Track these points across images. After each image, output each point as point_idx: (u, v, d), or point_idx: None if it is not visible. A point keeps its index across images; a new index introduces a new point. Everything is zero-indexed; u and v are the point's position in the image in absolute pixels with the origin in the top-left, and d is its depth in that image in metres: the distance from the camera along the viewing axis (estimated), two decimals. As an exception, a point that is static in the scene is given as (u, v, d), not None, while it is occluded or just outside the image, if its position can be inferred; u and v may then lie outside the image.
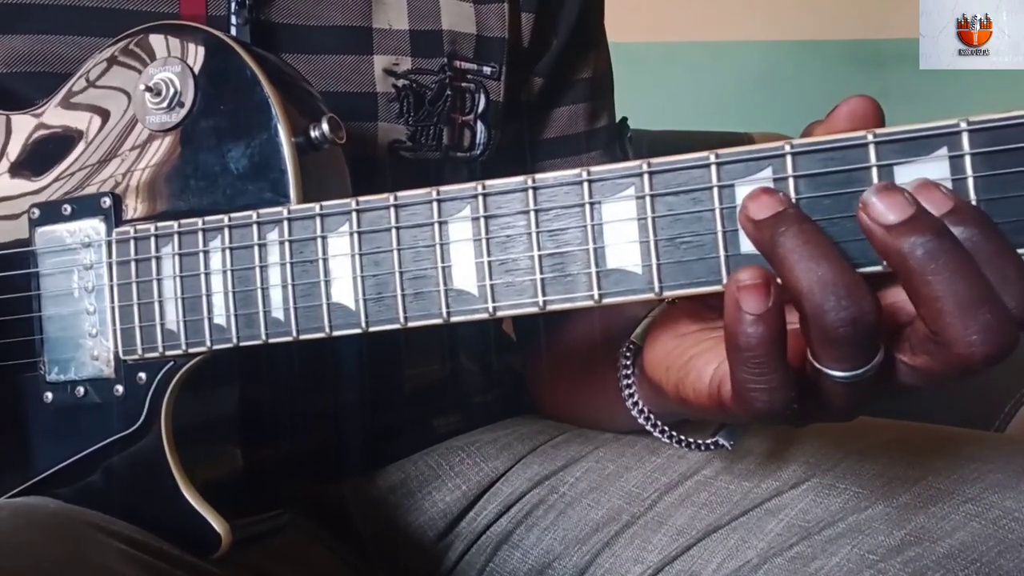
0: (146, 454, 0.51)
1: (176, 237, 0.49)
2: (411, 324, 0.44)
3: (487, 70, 0.68)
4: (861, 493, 0.56)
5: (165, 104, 0.52)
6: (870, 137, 0.37)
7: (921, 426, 0.62)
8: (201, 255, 0.49)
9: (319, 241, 0.46)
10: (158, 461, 0.51)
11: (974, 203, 0.36)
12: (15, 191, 0.56)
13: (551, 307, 0.42)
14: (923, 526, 0.53)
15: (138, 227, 0.51)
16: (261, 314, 0.47)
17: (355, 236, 0.45)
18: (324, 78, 0.63)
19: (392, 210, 0.45)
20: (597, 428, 0.69)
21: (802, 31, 1.86)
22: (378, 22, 0.65)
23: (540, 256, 0.42)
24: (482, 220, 0.43)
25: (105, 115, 0.55)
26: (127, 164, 0.53)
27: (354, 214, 0.45)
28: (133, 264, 0.51)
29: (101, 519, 0.47)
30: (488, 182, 0.43)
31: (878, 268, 0.37)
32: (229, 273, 0.48)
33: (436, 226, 0.44)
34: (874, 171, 0.37)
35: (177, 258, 0.49)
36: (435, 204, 0.44)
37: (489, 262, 0.43)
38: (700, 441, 0.53)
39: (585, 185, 0.41)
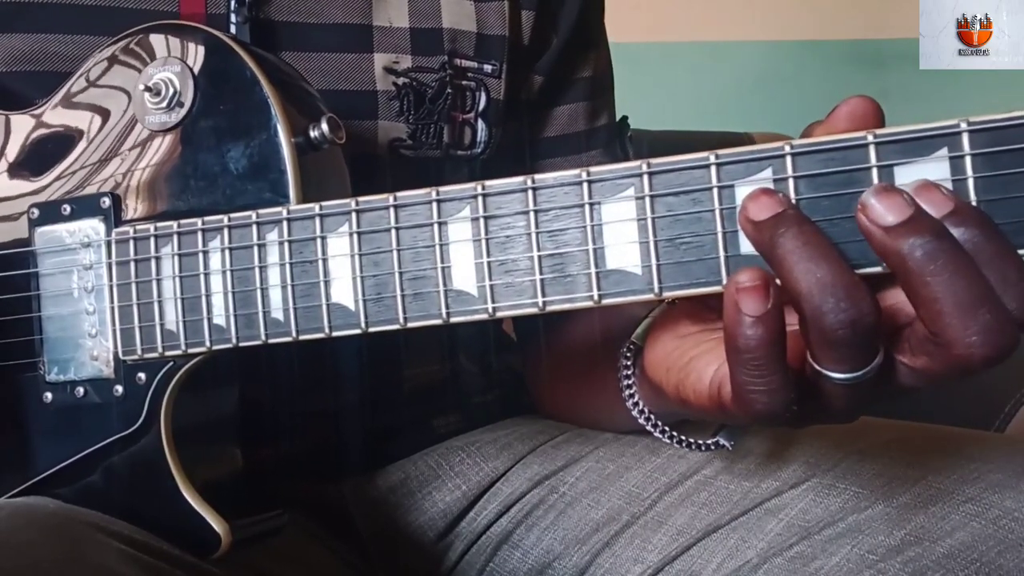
0: (146, 454, 0.51)
1: (176, 237, 0.49)
2: (411, 325, 0.44)
3: (488, 68, 0.68)
4: (861, 493, 0.56)
5: (165, 104, 0.52)
6: (870, 138, 0.37)
7: (921, 426, 0.62)
8: (200, 255, 0.49)
9: (319, 241, 0.46)
10: (158, 461, 0.51)
11: (974, 204, 0.36)
12: (15, 191, 0.56)
13: (551, 308, 0.42)
14: (923, 526, 0.53)
15: (138, 227, 0.51)
16: (261, 314, 0.47)
17: (355, 236, 0.45)
18: (324, 76, 0.63)
19: (392, 210, 0.45)
20: (597, 428, 0.69)
21: (802, 31, 1.85)
22: (378, 20, 0.65)
23: (540, 257, 0.42)
24: (482, 220, 0.43)
25: (105, 115, 0.55)
26: (127, 164, 0.53)
27: (354, 214, 0.45)
28: (133, 264, 0.51)
29: (101, 519, 0.47)
30: (488, 182, 0.43)
31: (878, 269, 0.37)
32: (229, 273, 0.48)
33: (436, 226, 0.44)
34: (874, 172, 0.37)
35: (176, 258, 0.49)
36: (435, 204, 0.44)
37: (489, 263, 0.43)
38: (701, 441, 0.53)
39: (585, 185, 0.41)
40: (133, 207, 0.53)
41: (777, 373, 0.38)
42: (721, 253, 0.39)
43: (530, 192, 0.42)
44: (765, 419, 0.40)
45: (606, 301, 0.41)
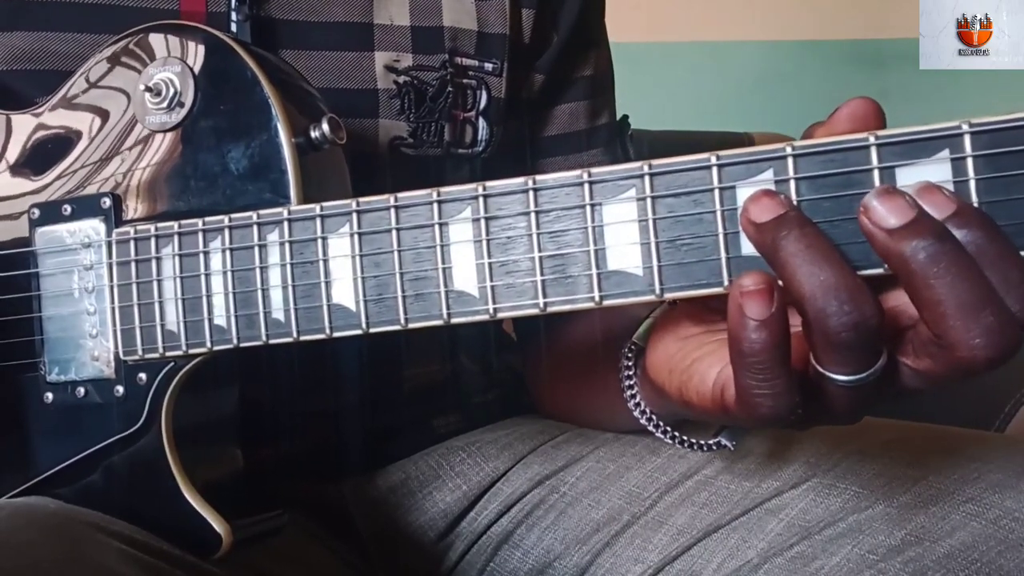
0: (146, 454, 0.51)
1: (176, 238, 0.49)
2: (412, 325, 0.44)
3: (488, 66, 0.68)
4: (861, 493, 0.56)
5: (165, 104, 0.52)
6: (871, 139, 0.37)
7: (921, 426, 0.62)
8: (201, 256, 0.49)
9: (319, 242, 0.46)
10: (158, 461, 0.51)
11: (976, 205, 0.36)
12: (15, 191, 0.56)
13: (552, 309, 0.42)
14: (923, 526, 0.53)
15: (138, 227, 0.51)
16: (261, 315, 0.47)
17: (355, 237, 0.45)
18: (325, 74, 0.63)
19: (392, 211, 0.45)
20: (598, 428, 0.69)
21: (802, 31, 1.86)
22: (379, 18, 0.65)
23: (541, 257, 0.42)
24: (483, 221, 0.43)
25: (105, 115, 0.55)
26: (127, 164, 0.53)
27: (354, 215, 0.45)
28: (133, 265, 0.51)
29: (101, 519, 0.47)
30: (489, 183, 0.43)
31: (880, 271, 0.37)
32: (229, 274, 0.48)
33: (437, 227, 0.44)
34: (875, 173, 0.37)
35: (177, 259, 0.49)
36: (436, 205, 0.44)
37: (490, 263, 0.43)
38: (702, 441, 0.53)
39: (586, 186, 0.41)
40: (134, 207, 0.53)
41: (781, 377, 0.38)
42: (722, 254, 0.39)
43: (531, 193, 0.42)
44: (770, 422, 0.40)
45: (607, 302, 0.41)
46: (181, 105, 0.52)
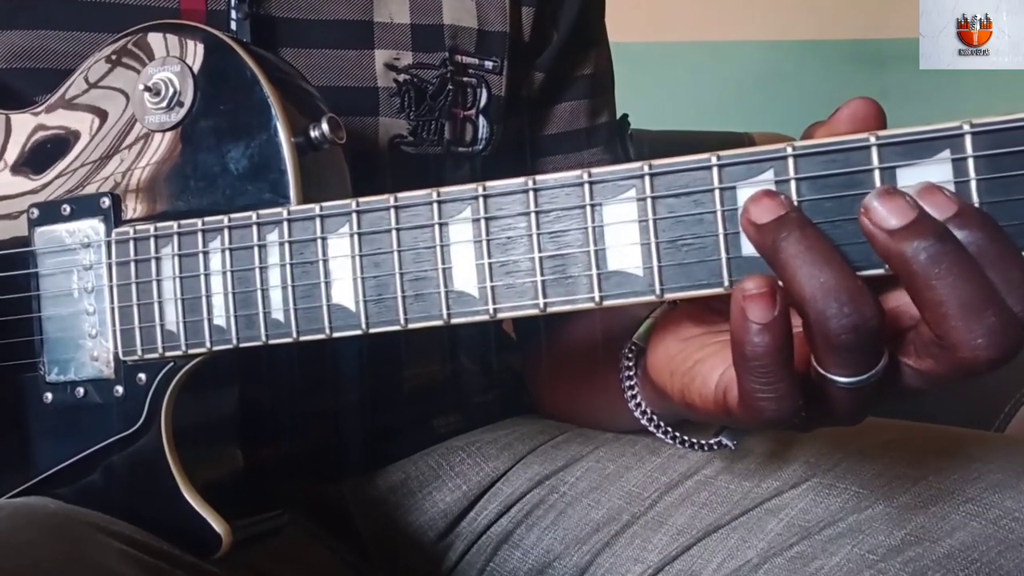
0: (146, 455, 0.51)
1: (176, 238, 0.49)
2: (411, 326, 0.44)
3: (488, 64, 0.68)
4: (861, 493, 0.56)
5: (164, 104, 0.52)
6: (872, 139, 0.37)
7: (921, 426, 0.62)
8: (201, 256, 0.49)
9: (319, 242, 0.46)
10: (158, 462, 0.51)
11: (977, 206, 0.36)
12: (14, 191, 0.56)
13: (552, 309, 0.42)
14: (923, 526, 0.53)
15: (137, 227, 0.51)
16: (261, 315, 0.47)
17: (355, 237, 0.45)
18: (325, 73, 0.63)
19: (392, 211, 0.44)
20: (597, 428, 0.69)
21: (802, 31, 1.86)
22: (379, 16, 0.65)
23: (541, 258, 0.42)
24: (483, 222, 0.43)
25: (104, 115, 0.55)
26: (126, 164, 0.53)
27: (354, 215, 0.45)
28: (133, 265, 0.51)
29: (101, 519, 0.47)
30: (489, 183, 0.43)
31: (880, 271, 0.37)
32: (229, 274, 0.48)
33: (436, 227, 0.44)
34: (876, 173, 0.37)
35: (177, 259, 0.49)
36: (435, 205, 0.44)
37: (490, 264, 0.43)
38: (703, 441, 0.53)
39: (586, 187, 0.41)
40: (133, 207, 0.53)
41: (785, 380, 0.38)
42: (723, 255, 0.39)
43: (531, 193, 0.42)
44: (773, 425, 0.40)
45: (607, 303, 0.41)
46: (180, 105, 0.52)
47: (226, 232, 0.48)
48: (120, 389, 0.52)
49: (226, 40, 0.52)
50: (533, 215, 0.42)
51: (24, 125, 0.57)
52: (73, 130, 0.55)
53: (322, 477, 0.67)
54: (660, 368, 0.47)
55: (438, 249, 0.44)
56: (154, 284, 0.50)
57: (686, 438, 0.54)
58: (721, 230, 0.39)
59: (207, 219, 0.49)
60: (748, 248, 0.39)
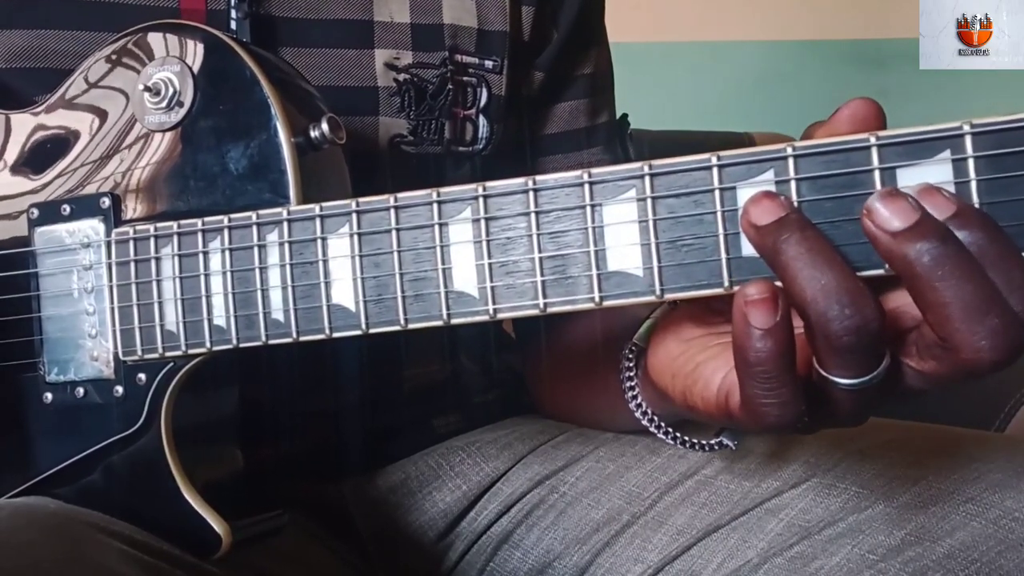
0: (146, 455, 0.51)
1: (176, 238, 0.49)
2: (411, 326, 0.44)
3: (489, 64, 0.68)
4: (861, 493, 0.56)
5: (164, 104, 0.52)
6: (872, 140, 0.37)
7: (921, 426, 0.62)
8: (201, 256, 0.49)
9: (319, 242, 0.46)
10: (158, 462, 0.51)
11: (977, 206, 0.36)
12: (14, 191, 0.56)
13: (552, 309, 0.42)
14: (923, 526, 0.53)
15: (137, 227, 0.51)
16: (261, 315, 0.47)
17: (355, 237, 0.45)
18: (325, 72, 0.63)
19: (392, 211, 0.44)
20: (598, 428, 0.69)
21: (802, 31, 1.86)
22: (379, 15, 0.65)
23: (541, 258, 0.42)
24: (483, 222, 0.43)
25: (104, 115, 0.54)
26: (126, 164, 0.53)
27: (354, 215, 0.45)
28: (132, 265, 0.51)
29: (101, 519, 0.47)
30: (489, 184, 0.43)
31: (880, 272, 0.37)
32: (229, 274, 0.48)
33: (436, 228, 0.44)
34: (877, 174, 0.37)
35: (177, 259, 0.49)
36: (435, 205, 0.44)
37: (490, 264, 0.43)
38: (704, 442, 0.53)
39: (586, 187, 0.41)
40: (133, 207, 0.53)
41: (788, 385, 0.38)
42: (723, 255, 0.39)
43: (531, 193, 0.42)
44: (776, 430, 0.40)
45: (607, 303, 0.41)
46: (180, 105, 0.52)
47: (226, 232, 0.48)
48: (120, 389, 0.52)
49: (226, 40, 0.52)
50: (533, 215, 0.42)
51: (24, 125, 0.57)
52: (73, 130, 0.55)
53: (322, 477, 0.67)
54: (661, 370, 0.47)
55: (438, 249, 0.44)
56: (154, 284, 0.50)
57: (687, 438, 0.54)
58: (721, 230, 0.39)
59: (207, 219, 0.49)
60: (748, 249, 0.38)
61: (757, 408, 0.39)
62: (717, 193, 0.39)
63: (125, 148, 0.53)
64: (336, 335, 0.46)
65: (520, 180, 0.42)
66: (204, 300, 0.49)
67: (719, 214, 0.39)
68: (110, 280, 0.51)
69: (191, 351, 0.49)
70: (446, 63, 0.66)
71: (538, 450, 0.69)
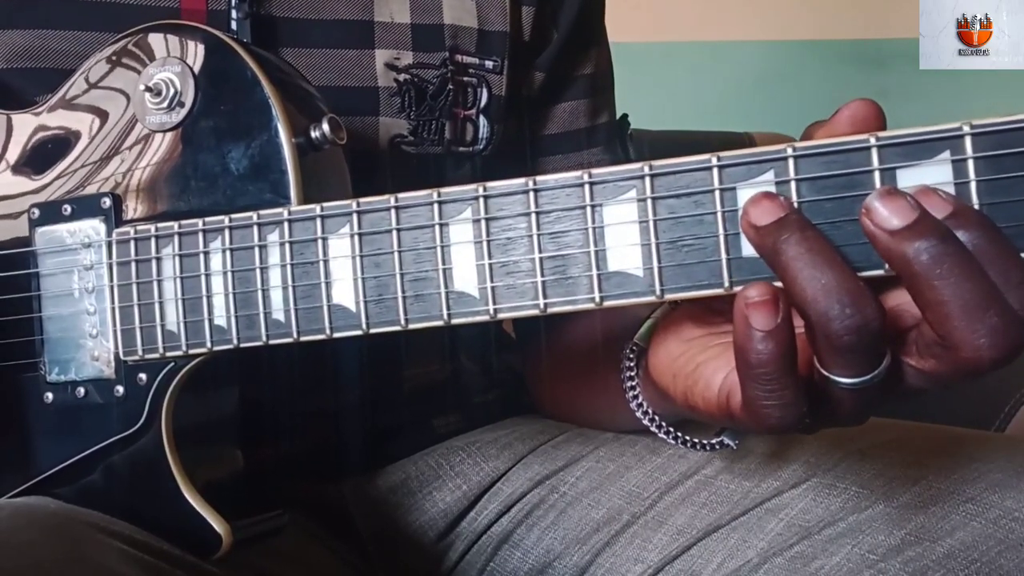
0: (147, 455, 0.51)
1: (176, 238, 0.49)
2: (412, 326, 0.44)
3: (489, 64, 0.68)
4: (861, 493, 0.56)
5: (165, 104, 0.52)
6: (872, 140, 0.37)
7: (921, 426, 0.62)
8: (201, 256, 0.49)
9: (320, 243, 0.46)
10: (159, 462, 0.51)
11: (977, 207, 0.36)
12: (15, 191, 0.56)
13: (552, 309, 0.42)
14: (923, 526, 0.53)
15: (138, 228, 0.51)
16: (262, 315, 0.47)
17: (356, 238, 0.45)
18: (325, 72, 0.63)
19: (393, 212, 0.45)
20: (598, 428, 0.69)
21: (802, 31, 1.86)
22: (380, 15, 0.65)
23: (541, 258, 0.42)
24: (483, 222, 0.43)
25: (105, 115, 0.55)
26: (127, 164, 0.53)
27: (355, 215, 0.45)
28: (133, 265, 0.51)
29: (101, 519, 0.47)
30: (489, 184, 0.43)
31: (881, 272, 0.37)
32: (230, 274, 0.48)
33: (437, 228, 0.44)
34: (876, 174, 0.37)
35: (177, 259, 0.49)
36: (436, 206, 0.44)
37: (490, 264, 0.43)
38: (705, 441, 0.53)
39: (586, 187, 0.41)
40: (134, 207, 0.53)
41: (789, 387, 0.38)
42: (723, 255, 0.39)
43: (531, 194, 0.42)
44: (777, 431, 0.40)
45: (607, 303, 0.41)
46: (181, 105, 0.52)
47: (227, 232, 0.48)
48: (121, 389, 0.52)
49: (227, 40, 0.52)
50: (533, 216, 0.42)
51: (25, 125, 0.57)
52: (74, 130, 0.56)
53: (322, 477, 0.67)
54: (662, 370, 0.47)
55: (438, 249, 0.44)
56: (155, 284, 0.50)
57: (688, 438, 0.54)
58: (721, 231, 0.39)
59: (208, 219, 0.49)
60: (748, 249, 0.39)
61: (759, 410, 0.39)
62: (717, 193, 0.39)
63: (126, 148, 0.53)
64: (336, 335, 0.46)
65: (520, 180, 0.42)
66: (205, 300, 0.49)
67: (719, 214, 0.39)
68: (111, 280, 0.51)
69: (192, 351, 0.49)
70: (446, 63, 0.66)
71: (538, 450, 0.69)
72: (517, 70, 0.70)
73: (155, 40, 0.53)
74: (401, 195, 0.44)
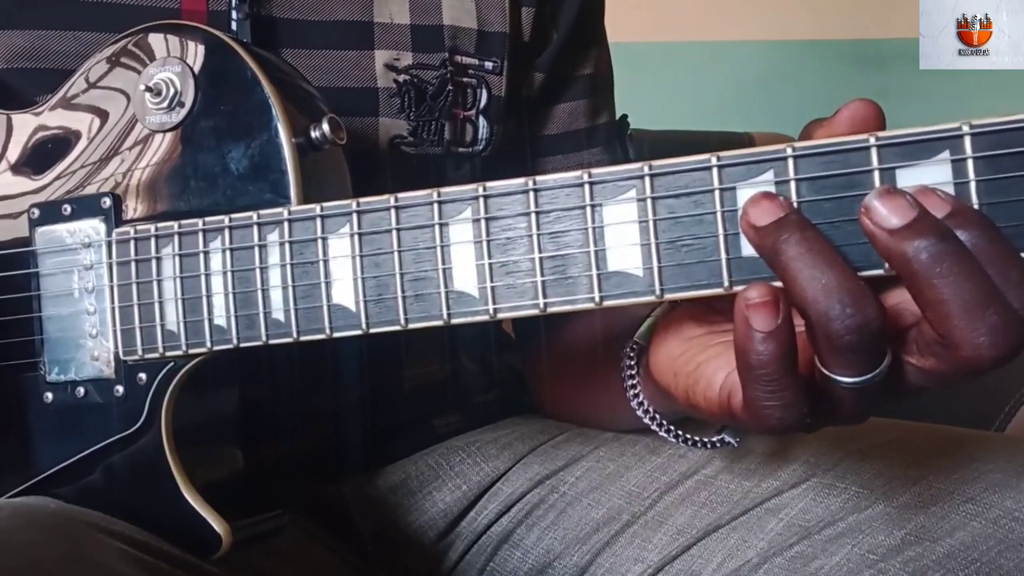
0: (146, 454, 0.51)
1: (176, 238, 0.49)
2: (412, 326, 0.44)
3: (488, 65, 0.68)
4: (861, 493, 0.56)
5: (165, 104, 0.52)
6: (872, 140, 0.37)
7: (921, 426, 0.62)
8: (201, 256, 0.49)
9: (319, 242, 0.46)
10: (158, 461, 0.51)
11: (976, 207, 0.36)
12: (15, 190, 0.56)
13: (552, 309, 0.42)
14: (923, 526, 0.53)
15: (138, 227, 0.51)
16: (261, 315, 0.47)
17: (356, 238, 0.45)
18: (325, 73, 0.63)
19: (393, 211, 0.45)
20: (598, 427, 0.69)
21: (802, 31, 1.86)
22: (379, 16, 0.65)
23: (541, 258, 0.42)
24: (483, 222, 0.43)
25: (105, 115, 0.55)
26: (127, 164, 0.53)
27: (355, 215, 0.45)
28: (133, 265, 0.51)
29: (101, 519, 0.47)
30: (489, 184, 0.43)
31: (880, 271, 0.37)
32: (229, 274, 0.48)
33: (437, 228, 0.44)
34: (876, 174, 0.37)
35: (177, 259, 0.49)
36: (436, 206, 0.44)
37: (490, 264, 0.43)
38: (707, 439, 0.53)
39: (586, 187, 0.41)
40: (134, 207, 0.53)
41: (790, 388, 0.38)
42: (723, 255, 0.39)
43: (531, 194, 0.42)
44: (779, 431, 0.40)
45: (607, 303, 0.41)
46: (181, 105, 0.52)
47: (227, 232, 0.48)
48: (120, 389, 0.52)
49: (227, 40, 0.52)
50: (533, 215, 0.42)
51: (25, 125, 0.57)
52: (74, 130, 0.56)
53: (322, 477, 0.67)
54: (663, 369, 0.47)
55: (438, 249, 0.44)
56: (155, 284, 0.50)
57: (689, 436, 0.54)
58: (721, 231, 0.39)
59: (208, 219, 0.49)
60: (748, 249, 0.39)
61: (760, 410, 0.39)
62: (717, 193, 0.39)
63: (126, 148, 0.54)
64: (336, 335, 0.46)
65: (520, 180, 0.42)
66: (205, 300, 0.49)
67: (719, 214, 0.39)
68: (111, 280, 0.51)
69: (192, 351, 0.49)
70: (446, 64, 0.66)
71: (538, 450, 0.69)
72: (517, 71, 0.70)
73: (155, 40, 0.54)
74: (401, 195, 0.45)
